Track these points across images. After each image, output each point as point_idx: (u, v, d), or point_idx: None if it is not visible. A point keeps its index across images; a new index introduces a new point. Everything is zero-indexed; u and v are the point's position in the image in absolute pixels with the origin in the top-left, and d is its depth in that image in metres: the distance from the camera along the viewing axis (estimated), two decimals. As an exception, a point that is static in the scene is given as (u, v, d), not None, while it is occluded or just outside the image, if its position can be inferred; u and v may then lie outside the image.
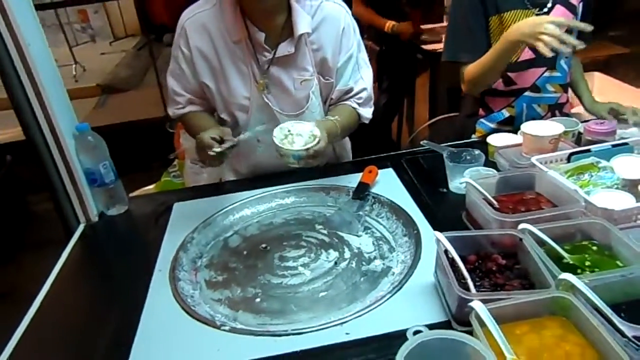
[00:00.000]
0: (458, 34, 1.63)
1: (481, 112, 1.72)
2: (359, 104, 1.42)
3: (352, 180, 1.36)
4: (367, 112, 1.44)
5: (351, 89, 1.41)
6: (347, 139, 1.60)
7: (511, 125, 1.67)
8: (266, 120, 1.35)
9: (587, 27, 1.35)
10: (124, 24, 6.78)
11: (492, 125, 1.70)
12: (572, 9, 1.56)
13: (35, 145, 1.26)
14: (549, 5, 1.54)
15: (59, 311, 1.06)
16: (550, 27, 1.31)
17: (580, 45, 1.30)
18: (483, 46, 1.57)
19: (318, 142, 1.15)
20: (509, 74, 1.60)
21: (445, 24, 3.57)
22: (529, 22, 1.38)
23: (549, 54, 1.31)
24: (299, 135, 1.17)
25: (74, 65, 5.09)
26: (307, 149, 1.14)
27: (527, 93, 1.62)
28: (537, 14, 1.53)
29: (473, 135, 1.75)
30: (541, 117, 1.65)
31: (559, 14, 1.53)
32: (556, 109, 1.67)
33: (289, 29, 1.28)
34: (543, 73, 1.59)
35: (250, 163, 1.47)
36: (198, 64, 1.31)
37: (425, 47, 3.20)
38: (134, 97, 4.78)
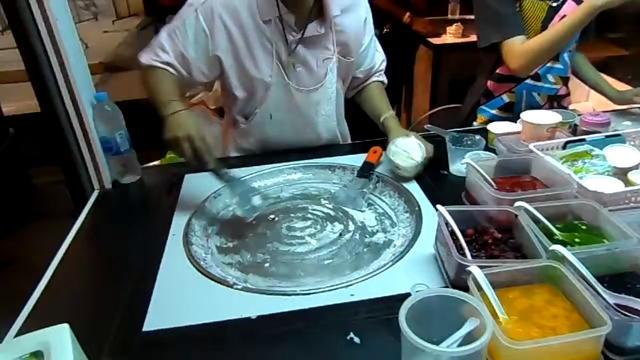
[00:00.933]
0: (498, 14, 1.63)
1: (482, 99, 1.79)
2: (380, 74, 1.61)
3: (357, 160, 1.42)
4: (384, 77, 1.63)
5: (374, 64, 1.58)
6: (344, 120, 1.67)
7: (510, 111, 1.74)
8: (284, 98, 1.41)
9: None
10: (127, 3, 6.77)
11: (493, 112, 1.77)
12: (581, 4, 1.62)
13: (56, 114, 1.31)
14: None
15: (77, 271, 1.12)
16: None
17: None
18: (522, 23, 1.62)
19: (426, 150, 1.33)
20: None
21: (448, 17, 3.63)
22: None
23: None
24: (408, 151, 1.31)
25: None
26: (424, 158, 1.32)
27: (527, 80, 1.69)
28: (551, 6, 1.60)
29: (474, 123, 1.81)
30: (540, 107, 1.72)
31: (570, 9, 1.60)
32: (555, 100, 1.74)
33: (317, 9, 1.33)
34: (546, 62, 1.65)
35: (258, 139, 1.52)
36: (218, 38, 1.30)
37: (430, 39, 3.26)
38: (135, 77, 4.78)
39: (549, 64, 1.66)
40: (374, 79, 1.59)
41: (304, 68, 1.40)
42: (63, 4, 1.24)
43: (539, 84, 1.70)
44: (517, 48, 1.60)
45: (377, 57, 1.58)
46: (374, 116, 1.53)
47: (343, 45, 1.42)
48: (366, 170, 1.35)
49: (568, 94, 1.80)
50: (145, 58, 1.32)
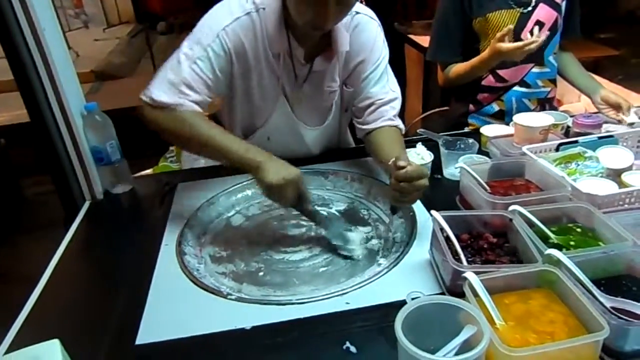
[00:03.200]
0: (439, 36, 1.75)
1: (472, 107, 1.80)
2: (394, 115, 1.34)
3: (349, 166, 1.42)
4: (399, 122, 1.36)
5: (380, 98, 1.34)
6: (348, 131, 1.62)
7: (502, 119, 1.74)
8: (284, 126, 1.38)
9: (538, 40, 1.49)
10: (118, 11, 6.77)
11: (484, 119, 1.77)
12: (555, 7, 1.64)
13: (45, 124, 1.30)
14: (533, 4, 1.62)
15: (69, 284, 1.10)
16: (525, 49, 1.48)
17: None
18: (459, 48, 1.71)
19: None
20: (499, 71, 1.69)
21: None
22: (503, 47, 1.51)
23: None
24: (419, 153, 1.34)
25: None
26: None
27: (516, 88, 1.69)
28: (522, 13, 1.60)
29: (466, 129, 1.81)
30: (531, 111, 1.72)
31: (543, 13, 1.62)
32: (545, 103, 1.74)
33: (325, 42, 1.27)
34: (531, 69, 1.67)
35: None
36: (236, 62, 1.23)
37: (419, 41, 3.27)
38: (127, 85, 4.79)
39: (536, 70, 1.67)
40: (386, 122, 1.32)
41: (309, 102, 1.36)
42: (50, 14, 1.23)
43: (529, 90, 1.71)
44: (440, 72, 1.79)
45: (388, 93, 1.34)
46: (381, 162, 1.25)
47: (348, 74, 1.35)
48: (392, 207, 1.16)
49: (555, 97, 1.81)
50: (170, 97, 1.15)
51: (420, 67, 3.32)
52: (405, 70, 3.56)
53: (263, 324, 0.89)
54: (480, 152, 1.38)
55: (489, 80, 1.72)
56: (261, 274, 1.07)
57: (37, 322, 0.96)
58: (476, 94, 1.77)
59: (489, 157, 1.35)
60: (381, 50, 1.34)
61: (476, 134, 1.48)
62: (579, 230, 1.00)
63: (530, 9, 1.62)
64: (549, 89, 1.74)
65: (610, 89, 1.62)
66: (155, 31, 6.15)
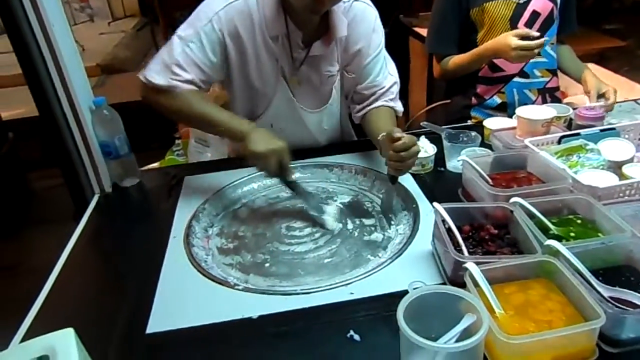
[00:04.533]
0: (437, 28, 1.79)
1: (474, 100, 1.81)
2: (392, 99, 1.42)
3: (354, 158, 1.44)
4: (400, 106, 1.45)
5: (383, 86, 1.41)
6: (350, 124, 1.65)
7: (504, 111, 1.75)
8: (285, 111, 1.41)
9: (544, 39, 1.53)
10: (122, 4, 6.77)
11: (487, 112, 1.78)
12: None
13: (54, 119, 1.32)
14: None
15: (80, 275, 1.13)
16: (521, 54, 1.52)
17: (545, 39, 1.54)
18: (455, 41, 1.74)
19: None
20: (495, 60, 1.70)
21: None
22: (500, 43, 1.56)
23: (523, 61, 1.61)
24: (422, 145, 1.35)
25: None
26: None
27: (516, 79, 1.71)
28: (518, 4, 1.62)
29: (469, 122, 1.83)
30: (532, 102, 1.74)
31: (539, 3, 1.64)
32: (546, 93, 1.75)
33: (324, 27, 1.30)
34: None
35: None
36: (231, 47, 1.27)
37: (423, 33, 3.27)
38: (132, 78, 4.79)
39: (532, 60, 1.68)
40: (382, 102, 1.41)
41: (308, 85, 1.39)
42: (59, 10, 1.25)
43: (527, 80, 1.72)
44: (436, 64, 1.83)
45: (387, 79, 1.42)
46: (373, 138, 1.36)
47: (348, 60, 1.39)
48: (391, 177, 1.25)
49: (559, 87, 1.82)
50: (163, 78, 1.22)
51: (424, 60, 3.31)
52: (409, 62, 3.56)
53: (269, 313, 0.91)
54: (483, 144, 1.39)
55: (485, 71, 1.74)
56: (267, 265, 1.09)
57: (50, 313, 0.99)
58: (475, 85, 1.79)
59: (492, 150, 1.36)
60: (380, 36, 1.40)
61: (479, 127, 1.50)
62: (579, 221, 1.02)
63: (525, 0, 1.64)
64: (547, 78, 1.74)
65: (614, 80, 1.63)
66: (159, 24, 6.15)
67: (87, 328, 0.84)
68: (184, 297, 0.98)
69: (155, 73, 1.23)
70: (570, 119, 1.51)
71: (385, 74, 1.42)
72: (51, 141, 1.41)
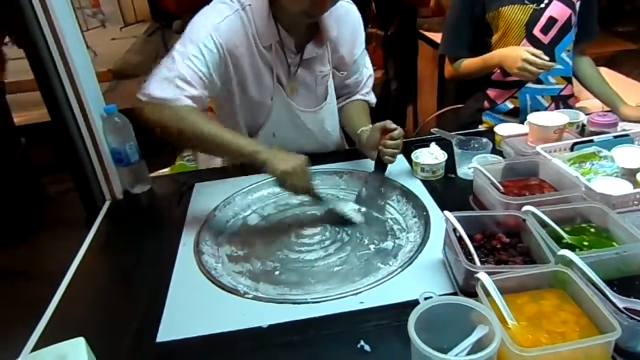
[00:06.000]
0: (451, 30, 1.80)
1: (486, 104, 1.80)
2: (367, 92, 1.54)
3: (363, 165, 1.43)
4: (373, 98, 1.57)
5: (362, 80, 1.53)
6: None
7: (516, 116, 1.74)
8: (286, 117, 1.42)
9: (553, 65, 1.55)
10: (134, 10, 6.83)
11: (499, 117, 1.77)
12: (569, 4, 1.64)
13: (66, 126, 1.34)
14: (546, 1, 1.62)
15: (91, 282, 1.14)
16: (527, 67, 1.51)
17: (553, 66, 1.55)
18: (467, 44, 1.75)
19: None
20: None
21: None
22: (509, 55, 1.56)
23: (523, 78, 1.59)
24: (433, 153, 1.38)
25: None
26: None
27: (529, 85, 1.70)
28: (535, 9, 1.61)
29: (480, 126, 1.82)
30: (545, 109, 1.72)
31: (557, 9, 1.62)
32: (560, 100, 1.74)
33: (313, 30, 1.33)
34: None
35: None
36: (231, 60, 1.27)
37: (433, 37, 3.27)
38: (144, 83, 4.84)
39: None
40: (358, 96, 1.53)
41: (304, 89, 1.41)
42: (71, 18, 1.26)
43: (541, 86, 1.71)
44: (449, 66, 1.84)
45: (365, 72, 1.52)
46: (352, 130, 1.45)
47: (338, 59, 1.43)
48: (382, 165, 1.33)
49: (573, 94, 1.80)
50: (168, 92, 1.16)
51: (434, 64, 3.30)
52: (417, 66, 3.56)
53: (279, 322, 0.91)
54: (494, 151, 1.38)
55: (498, 75, 1.74)
56: (277, 272, 1.09)
57: (62, 320, 0.99)
58: (487, 89, 1.79)
59: (503, 157, 1.35)
60: (362, 33, 1.47)
61: (490, 133, 1.49)
62: (592, 230, 1.00)
63: (543, 5, 1.63)
64: (562, 85, 1.73)
65: (626, 84, 1.61)
66: (171, 30, 6.20)
67: (97, 336, 0.85)
68: (194, 306, 0.98)
69: (158, 89, 1.17)
70: (583, 125, 1.49)
71: (364, 69, 1.52)
72: (63, 148, 1.42)
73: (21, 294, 2.63)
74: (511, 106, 1.75)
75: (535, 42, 1.65)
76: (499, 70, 1.72)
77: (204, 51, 1.20)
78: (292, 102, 1.40)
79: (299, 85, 1.40)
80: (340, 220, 1.22)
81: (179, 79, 1.17)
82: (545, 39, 1.66)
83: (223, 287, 1.02)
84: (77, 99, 1.28)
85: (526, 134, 1.40)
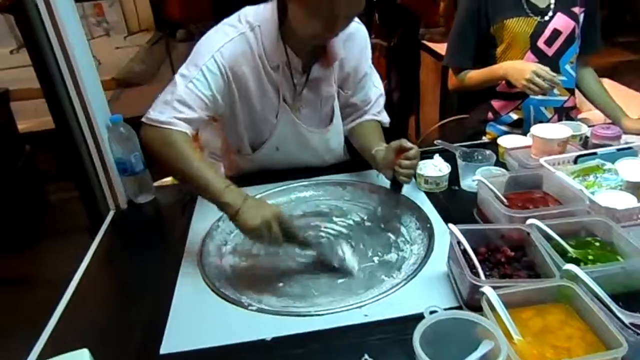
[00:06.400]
0: (455, 42, 1.81)
1: (490, 115, 1.80)
2: (379, 111, 1.50)
3: (367, 176, 1.43)
4: (386, 118, 1.52)
5: (370, 99, 1.49)
6: None
7: (520, 127, 1.74)
8: (290, 134, 1.42)
9: (559, 81, 1.56)
10: (138, 19, 6.88)
11: (503, 128, 1.77)
12: (573, 16, 1.65)
13: (71, 135, 1.34)
14: (550, 14, 1.63)
15: (95, 293, 1.14)
16: (536, 80, 1.52)
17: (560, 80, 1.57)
18: (471, 56, 1.77)
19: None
20: None
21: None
22: (516, 68, 1.57)
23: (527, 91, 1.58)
24: (437, 165, 1.38)
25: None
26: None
27: (533, 96, 1.69)
28: (539, 21, 1.62)
29: (484, 138, 1.82)
30: (548, 120, 1.73)
31: (560, 22, 1.63)
32: (563, 112, 1.74)
33: (320, 51, 1.32)
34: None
35: (263, 167, 1.52)
36: (235, 82, 1.27)
37: (436, 48, 3.28)
38: (147, 92, 4.87)
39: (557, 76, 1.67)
40: (369, 116, 1.48)
41: (309, 108, 1.41)
42: (78, 27, 1.27)
43: (545, 98, 1.71)
44: (453, 77, 1.85)
45: (373, 92, 1.49)
46: (365, 150, 1.40)
47: (344, 78, 1.42)
48: (398, 184, 1.31)
49: (576, 106, 1.81)
50: (166, 115, 1.18)
51: (437, 75, 3.31)
52: (419, 77, 3.57)
53: (283, 335, 0.91)
54: (498, 163, 1.38)
55: (503, 86, 1.75)
56: (281, 284, 1.09)
57: (65, 331, 0.99)
58: (491, 100, 1.79)
59: (507, 169, 1.35)
60: (369, 52, 1.45)
61: (493, 145, 1.49)
62: (597, 244, 1.00)
63: (547, 18, 1.64)
64: (565, 97, 1.74)
65: (628, 96, 1.62)
66: (175, 39, 6.24)
67: (101, 347, 0.85)
68: (198, 317, 0.98)
69: (156, 111, 1.19)
70: (586, 138, 1.50)
71: (371, 87, 1.49)
72: (67, 157, 1.43)
73: (23, 302, 2.64)
74: (515, 117, 1.76)
75: (539, 54, 1.66)
76: (504, 82, 1.72)
77: (206, 74, 1.22)
78: (298, 122, 1.40)
79: (304, 105, 1.40)
80: (332, 268, 1.12)
81: (177, 101, 1.19)
82: (550, 51, 1.67)
83: (226, 298, 1.02)
84: (83, 109, 1.28)
85: (530, 146, 1.40)
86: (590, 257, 0.96)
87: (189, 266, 1.13)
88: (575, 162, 1.26)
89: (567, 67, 1.70)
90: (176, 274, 1.11)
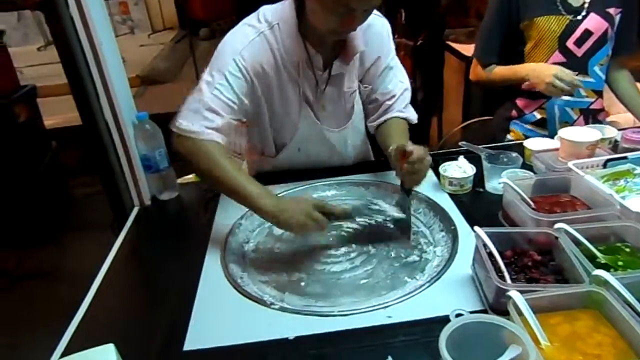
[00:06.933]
0: (484, 36, 1.80)
1: (514, 113, 1.79)
2: (404, 107, 1.43)
3: (390, 177, 1.42)
4: (413, 114, 1.45)
5: (394, 94, 1.43)
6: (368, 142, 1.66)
7: (543, 127, 1.72)
8: (312, 134, 1.42)
9: (580, 82, 1.55)
10: (162, 17, 6.97)
11: (526, 126, 1.76)
12: (608, 18, 1.61)
13: (98, 132, 1.36)
14: (584, 13, 1.59)
15: (120, 288, 1.15)
16: (557, 83, 1.51)
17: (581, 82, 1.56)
18: (496, 51, 1.76)
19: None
20: None
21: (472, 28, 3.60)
22: (537, 70, 1.57)
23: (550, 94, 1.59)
24: (461, 166, 1.36)
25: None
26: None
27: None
28: (571, 20, 1.59)
29: (508, 136, 1.80)
30: (573, 121, 1.70)
31: (593, 22, 1.60)
32: (589, 114, 1.71)
33: (340, 46, 1.31)
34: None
35: (285, 167, 1.52)
36: (257, 83, 1.27)
37: (460, 49, 3.25)
38: (170, 89, 4.93)
39: (579, 78, 1.64)
40: (394, 113, 1.42)
41: (332, 105, 1.40)
42: (107, 27, 1.30)
43: (571, 99, 1.68)
44: (479, 70, 1.83)
45: (398, 86, 1.43)
46: (385, 150, 1.35)
47: (365, 73, 1.41)
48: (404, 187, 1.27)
49: (603, 108, 1.77)
50: (196, 125, 1.19)
51: (461, 75, 3.28)
52: (443, 77, 3.54)
53: (305, 334, 0.91)
54: (524, 166, 1.36)
55: (528, 84, 1.71)
56: (303, 283, 1.09)
57: (90, 326, 1.01)
58: (516, 98, 1.78)
59: (533, 172, 1.33)
60: (391, 45, 1.42)
61: (519, 147, 1.46)
62: (627, 250, 0.98)
63: (580, 17, 1.61)
64: (592, 99, 1.70)
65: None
66: (198, 37, 6.31)
67: (126, 342, 0.85)
68: (221, 315, 0.98)
69: (186, 120, 1.20)
70: (616, 141, 1.46)
71: (395, 81, 1.43)
72: (94, 153, 1.45)
73: (48, 295, 2.69)
74: (539, 116, 1.74)
75: (568, 54, 1.64)
76: (529, 81, 1.70)
77: (229, 79, 1.22)
78: (318, 122, 1.40)
79: (327, 102, 1.39)
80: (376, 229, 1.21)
81: (206, 109, 1.20)
82: (579, 52, 1.64)
83: (249, 296, 1.02)
84: (110, 106, 1.30)
85: (557, 149, 1.38)
86: (620, 263, 0.94)
87: (211, 263, 1.14)
88: (604, 165, 1.24)
89: (596, 68, 1.67)
90: (199, 271, 1.12)
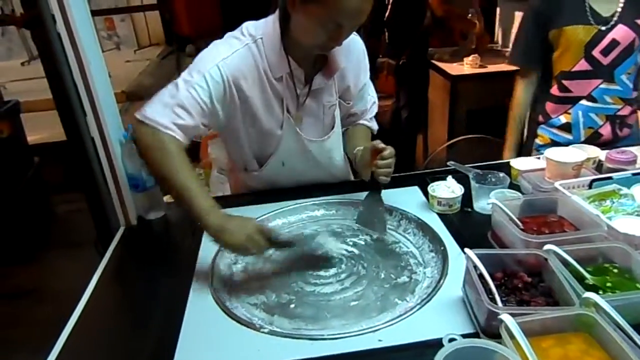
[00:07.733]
0: (518, 42, 1.86)
1: (541, 118, 1.83)
2: (371, 118, 1.59)
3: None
4: (375, 125, 1.61)
5: (366, 108, 1.57)
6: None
7: (569, 131, 1.77)
8: (295, 147, 1.42)
9: None
10: (148, 33, 6.96)
11: (552, 130, 1.82)
12: (635, 28, 1.64)
13: (83, 148, 1.35)
14: (612, 22, 1.63)
15: (104, 311, 1.13)
16: None
17: None
18: (538, 56, 1.79)
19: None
20: (564, 81, 1.73)
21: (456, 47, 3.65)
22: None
23: None
24: (449, 186, 1.38)
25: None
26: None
27: (583, 102, 1.71)
28: (599, 30, 1.64)
29: (536, 141, 1.87)
30: (599, 127, 1.73)
31: (621, 32, 1.63)
32: (616, 119, 1.74)
33: (322, 61, 1.34)
34: (599, 85, 1.69)
35: (270, 183, 1.52)
36: (237, 93, 1.27)
37: (445, 68, 3.30)
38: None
39: (603, 86, 1.68)
40: (362, 121, 1.57)
41: (311, 118, 1.42)
42: (95, 45, 1.28)
43: (596, 105, 1.72)
44: (518, 80, 1.90)
45: (370, 101, 1.57)
46: (349, 151, 1.51)
47: (344, 88, 1.45)
48: (377, 185, 1.34)
49: (634, 112, 1.79)
50: (165, 118, 1.17)
51: (446, 94, 3.32)
52: (428, 96, 3.59)
53: (296, 359, 0.89)
54: (511, 185, 1.37)
55: (555, 89, 1.77)
56: (292, 305, 1.07)
57: (73, 351, 0.98)
58: (545, 103, 1.83)
59: (520, 192, 1.34)
60: (366, 61, 1.49)
61: (506, 168, 1.48)
62: (615, 270, 0.98)
63: (608, 27, 1.64)
64: (619, 106, 1.72)
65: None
66: (184, 53, 6.30)
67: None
68: (209, 339, 0.96)
69: (156, 112, 1.18)
70: (600, 161, 1.48)
71: (368, 97, 1.56)
72: (78, 170, 1.43)
73: (29, 315, 2.62)
74: (564, 121, 1.78)
75: (593, 62, 1.67)
76: (556, 85, 1.76)
77: (208, 81, 1.21)
78: (300, 133, 1.40)
79: (306, 115, 1.41)
80: (316, 262, 1.20)
81: (177, 106, 1.19)
82: (605, 61, 1.66)
83: (238, 319, 1.00)
84: (97, 123, 1.28)
85: (543, 169, 1.39)
86: (608, 285, 0.94)
87: (199, 285, 1.12)
88: (590, 186, 1.25)
89: (623, 77, 1.69)
90: (187, 293, 1.10)
